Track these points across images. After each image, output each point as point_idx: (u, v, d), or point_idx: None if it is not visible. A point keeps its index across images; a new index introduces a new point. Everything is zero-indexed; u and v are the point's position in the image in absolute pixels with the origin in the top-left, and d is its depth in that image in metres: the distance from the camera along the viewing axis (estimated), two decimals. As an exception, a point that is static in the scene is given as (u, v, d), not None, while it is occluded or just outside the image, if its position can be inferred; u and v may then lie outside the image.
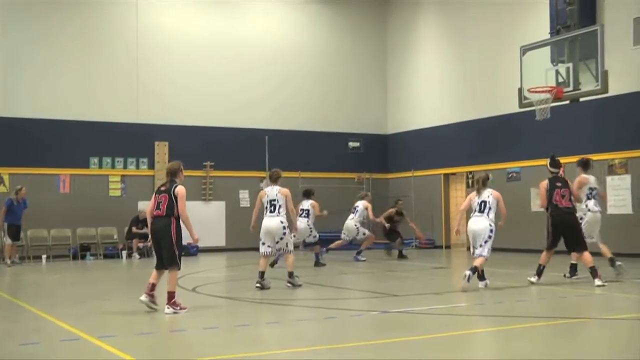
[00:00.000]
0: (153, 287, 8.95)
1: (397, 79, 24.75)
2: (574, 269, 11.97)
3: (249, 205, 22.56)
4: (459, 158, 21.89)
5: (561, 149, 17.46)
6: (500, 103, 19.92)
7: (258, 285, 11.10)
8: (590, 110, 17.40)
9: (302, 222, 15.56)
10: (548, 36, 17.50)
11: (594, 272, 10.95)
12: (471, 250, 11.09)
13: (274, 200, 11.31)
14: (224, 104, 22.45)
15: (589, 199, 12.10)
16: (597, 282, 10.83)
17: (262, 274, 11.18)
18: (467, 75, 21.82)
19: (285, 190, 11.41)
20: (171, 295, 8.79)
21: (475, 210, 11.03)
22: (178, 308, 8.78)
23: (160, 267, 9.01)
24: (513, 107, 17.96)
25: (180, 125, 21.69)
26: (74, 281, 14.25)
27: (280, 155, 22.36)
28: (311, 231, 15.76)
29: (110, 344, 6.84)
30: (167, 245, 8.88)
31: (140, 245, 19.47)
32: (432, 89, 23.25)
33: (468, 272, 10.58)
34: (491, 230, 10.85)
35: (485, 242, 10.83)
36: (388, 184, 24.62)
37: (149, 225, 9.24)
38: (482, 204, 10.94)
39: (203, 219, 19.59)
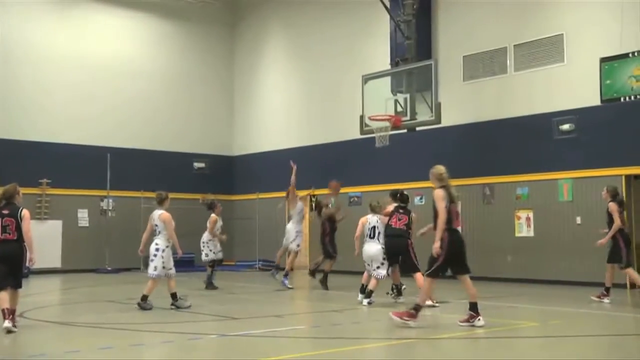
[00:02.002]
0: (12, 312, 9.06)
1: (244, 101, 24.93)
2: (398, 289, 12.39)
3: (87, 225, 21.75)
4: (303, 181, 22.25)
5: (399, 175, 18.38)
6: (344, 129, 20.58)
7: (172, 307, 11.25)
8: (425, 140, 18.39)
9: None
10: (389, 67, 18.38)
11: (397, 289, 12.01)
12: (368, 270, 12.03)
13: (156, 225, 11.33)
14: (62, 118, 21.51)
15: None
16: (427, 302, 11.42)
17: (173, 295, 11.31)
18: (313, 100, 22.38)
19: (165, 216, 11.30)
20: (14, 311, 9.10)
21: (367, 236, 12.06)
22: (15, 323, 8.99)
23: (7, 287, 9.09)
24: (355, 134, 18.60)
25: (13, 140, 20.47)
26: None
27: (123, 174, 21.81)
28: (202, 248, 15.27)
29: None
30: (19, 267, 9.29)
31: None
32: (278, 112, 23.61)
33: (366, 300, 11.68)
34: (384, 253, 11.85)
35: (382, 264, 11.83)
36: (233, 206, 24.61)
37: None
38: (373, 230, 12.00)
39: (36, 239, 18.46)
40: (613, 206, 12.10)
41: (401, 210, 12.14)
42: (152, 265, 11.26)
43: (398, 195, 12.46)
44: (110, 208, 21.97)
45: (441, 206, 9.28)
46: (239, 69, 25.16)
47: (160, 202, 11.42)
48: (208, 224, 15.33)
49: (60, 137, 21.38)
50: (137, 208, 21.86)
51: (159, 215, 11.30)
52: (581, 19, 16.14)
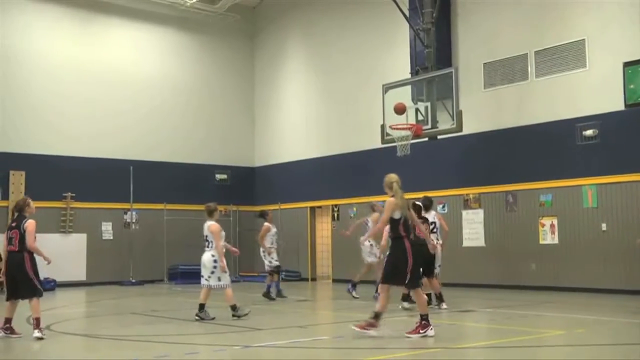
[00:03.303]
0: (8, 321, 9.49)
1: (265, 112, 25.02)
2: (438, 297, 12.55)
3: (111, 238, 21.90)
4: (325, 191, 22.32)
5: (421, 184, 18.30)
6: (365, 138, 20.57)
7: (197, 318, 11.21)
8: (447, 148, 18.32)
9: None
10: (409, 75, 18.35)
11: (438, 298, 12.17)
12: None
13: (207, 235, 11.50)
14: (86, 132, 21.72)
15: (432, 232, 12.75)
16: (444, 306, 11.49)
17: (201, 306, 11.31)
18: (333, 110, 22.39)
19: (214, 227, 11.45)
20: (39, 321, 9.31)
21: None
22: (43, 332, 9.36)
23: (13, 297, 9.52)
24: (376, 143, 18.57)
25: (38, 154, 20.70)
26: None
27: (146, 187, 21.96)
28: (264, 257, 15.26)
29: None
30: (24, 280, 9.39)
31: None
32: (299, 123, 23.65)
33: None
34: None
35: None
36: (254, 217, 24.63)
37: (3, 260, 9.65)
38: None
39: (61, 252, 18.81)
40: None
41: (420, 220, 12.15)
42: (214, 277, 11.34)
43: (423, 200, 12.53)
44: (134, 221, 22.13)
45: (386, 216, 9.13)
46: (259, 80, 25.28)
47: (210, 214, 11.62)
48: (261, 233, 15.27)
49: (83, 151, 21.58)
50: (161, 220, 22.00)
51: (209, 226, 11.49)
52: (603, 24, 15.99)
